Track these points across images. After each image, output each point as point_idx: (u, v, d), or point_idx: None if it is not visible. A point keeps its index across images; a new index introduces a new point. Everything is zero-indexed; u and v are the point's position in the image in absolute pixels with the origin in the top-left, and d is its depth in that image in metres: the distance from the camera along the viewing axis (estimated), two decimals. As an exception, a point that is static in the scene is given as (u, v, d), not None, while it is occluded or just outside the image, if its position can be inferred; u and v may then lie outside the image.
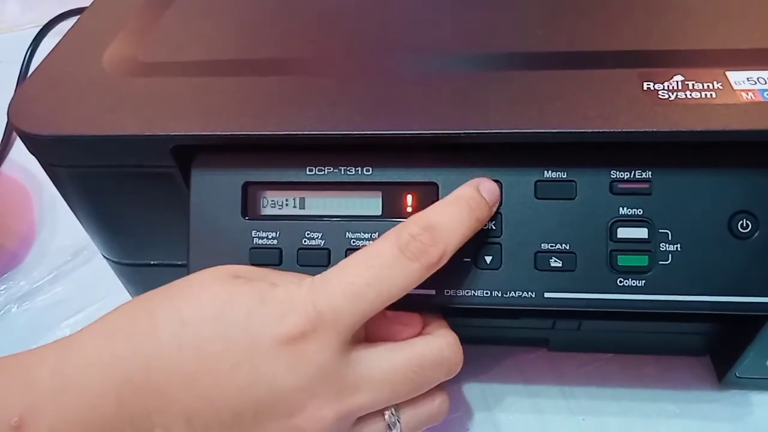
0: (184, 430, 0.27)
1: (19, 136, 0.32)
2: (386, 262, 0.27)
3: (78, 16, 0.39)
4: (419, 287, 0.30)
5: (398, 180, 0.31)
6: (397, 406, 0.30)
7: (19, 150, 0.60)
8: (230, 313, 0.27)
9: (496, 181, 0.30)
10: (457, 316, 0.37)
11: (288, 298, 0.27)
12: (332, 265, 0.29)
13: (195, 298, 0.28)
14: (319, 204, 0.31)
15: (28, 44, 0.66)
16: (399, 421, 0.29)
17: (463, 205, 0.29)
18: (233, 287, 0.28)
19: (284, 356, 0.26)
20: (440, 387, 0.31)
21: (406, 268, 0.27)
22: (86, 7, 0.41)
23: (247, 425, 0.27)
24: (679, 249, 0.29)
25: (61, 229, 0.53)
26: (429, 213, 0.29)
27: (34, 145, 0.32)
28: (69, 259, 0.51)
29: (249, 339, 0.27)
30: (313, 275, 0.28)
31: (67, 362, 0.27)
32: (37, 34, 0.66)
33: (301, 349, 0.26)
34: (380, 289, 0.27)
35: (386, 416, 0.29)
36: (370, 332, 0.30)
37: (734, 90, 0.29)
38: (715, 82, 0.29)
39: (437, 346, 0.30)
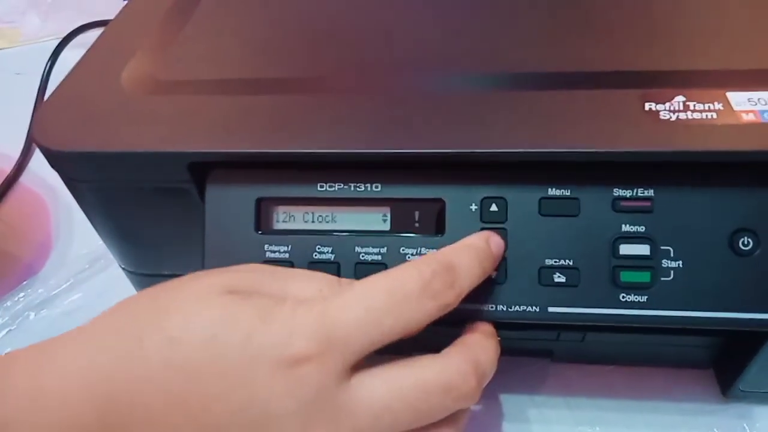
0: None
1: (41, 152, 0.33)
2: (409, 294, 0.26)
3: (96, 29, 0.40)
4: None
5: (406, 196, 0.32)
6: None
7: (37, 160, 0.62)
8: (226, 335, 0.25)
9: (500, 198, 0.31)
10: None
11: (295, 321, 0.25)
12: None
13: (185, 317, 0.26)
14: (330, 219, 0.32)
15: (48, 56, 0.67)
16: None
17: (474, 253, 0.29)
18: (230, 305, 0.26)
19: (282, 380, 0.25)
20: (453, 420, 0.28)
21: (425, 305, 0.26)
22: (105, 20, 0.42)
23: None
24: (681, 266, 0.30)
25: (78, 238, 0.54)
26: (448, 255, 0.28)
27: (55, 160, 0.33)
28: (86, 267, 0.52)
29: (246, 362, 0.25)
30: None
31: (46, 375, 0.26)
32: (57, 47, 0.67)
33: (301, 374, 0.25)
34: (398, 320, 0.26)
35: None
36: None
37: (734, 111, 0.29)
38: (715, 103, 0.30)
39: (447, 371, 0.27)
